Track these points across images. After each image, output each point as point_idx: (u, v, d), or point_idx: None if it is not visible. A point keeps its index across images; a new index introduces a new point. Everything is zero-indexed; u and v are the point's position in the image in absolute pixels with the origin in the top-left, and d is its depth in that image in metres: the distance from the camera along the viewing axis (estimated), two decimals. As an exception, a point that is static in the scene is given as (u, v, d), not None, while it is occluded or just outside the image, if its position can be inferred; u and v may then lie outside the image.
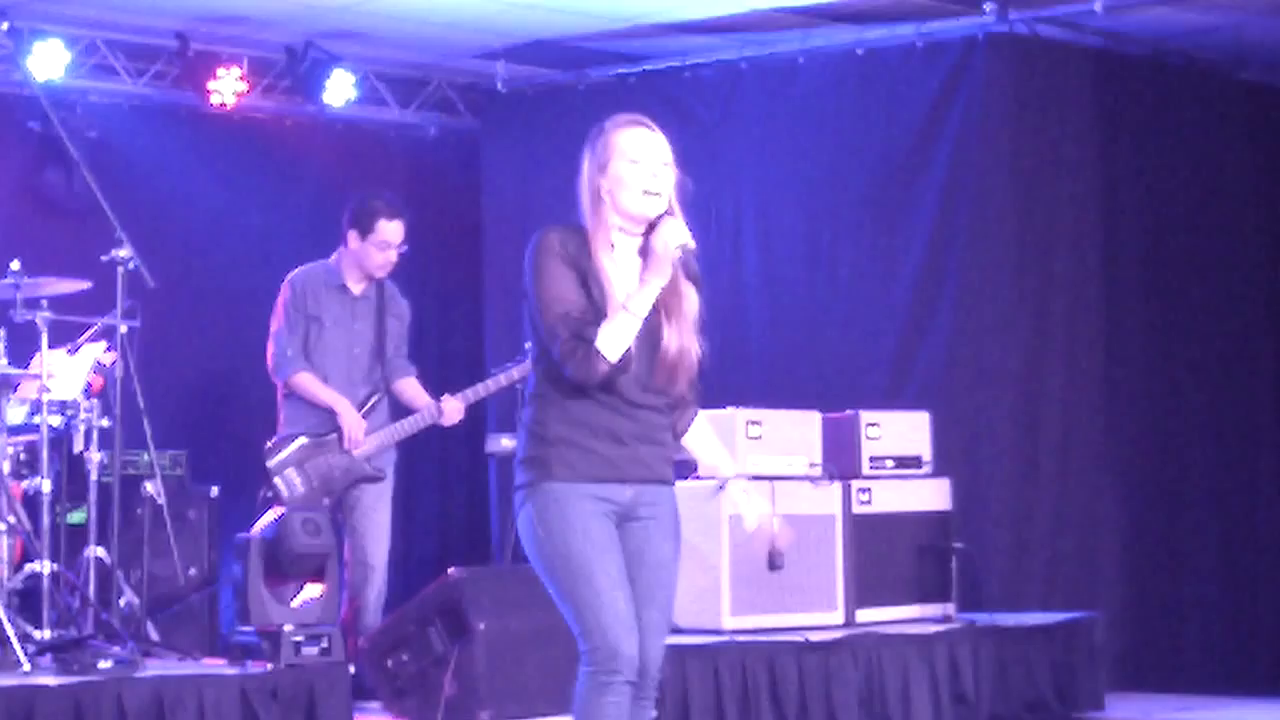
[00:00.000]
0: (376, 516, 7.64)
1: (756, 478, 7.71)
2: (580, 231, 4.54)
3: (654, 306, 4.48)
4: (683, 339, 4.53)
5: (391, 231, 7.63)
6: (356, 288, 7.71)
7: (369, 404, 7.62)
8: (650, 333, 4.49)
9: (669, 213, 4.52)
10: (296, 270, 7.74)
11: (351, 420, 7.51)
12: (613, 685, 4.41)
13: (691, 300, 4.56)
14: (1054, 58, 9.39)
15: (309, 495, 7.44)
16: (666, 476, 4.63)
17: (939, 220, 9.27)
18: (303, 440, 7.54)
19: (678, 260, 4.45)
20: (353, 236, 7.64)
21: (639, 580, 4.53)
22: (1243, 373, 10.09)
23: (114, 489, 7.13)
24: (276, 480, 7.48)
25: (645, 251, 4.54)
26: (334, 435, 7.54)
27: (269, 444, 7.56)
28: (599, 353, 4.41)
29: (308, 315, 7.61)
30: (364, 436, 7.53)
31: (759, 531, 4.78)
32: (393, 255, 7.66)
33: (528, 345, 7.84)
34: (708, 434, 4.78)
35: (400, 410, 7.74)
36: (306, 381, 7.56)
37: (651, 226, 4.53)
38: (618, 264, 4.53)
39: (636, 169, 4.52)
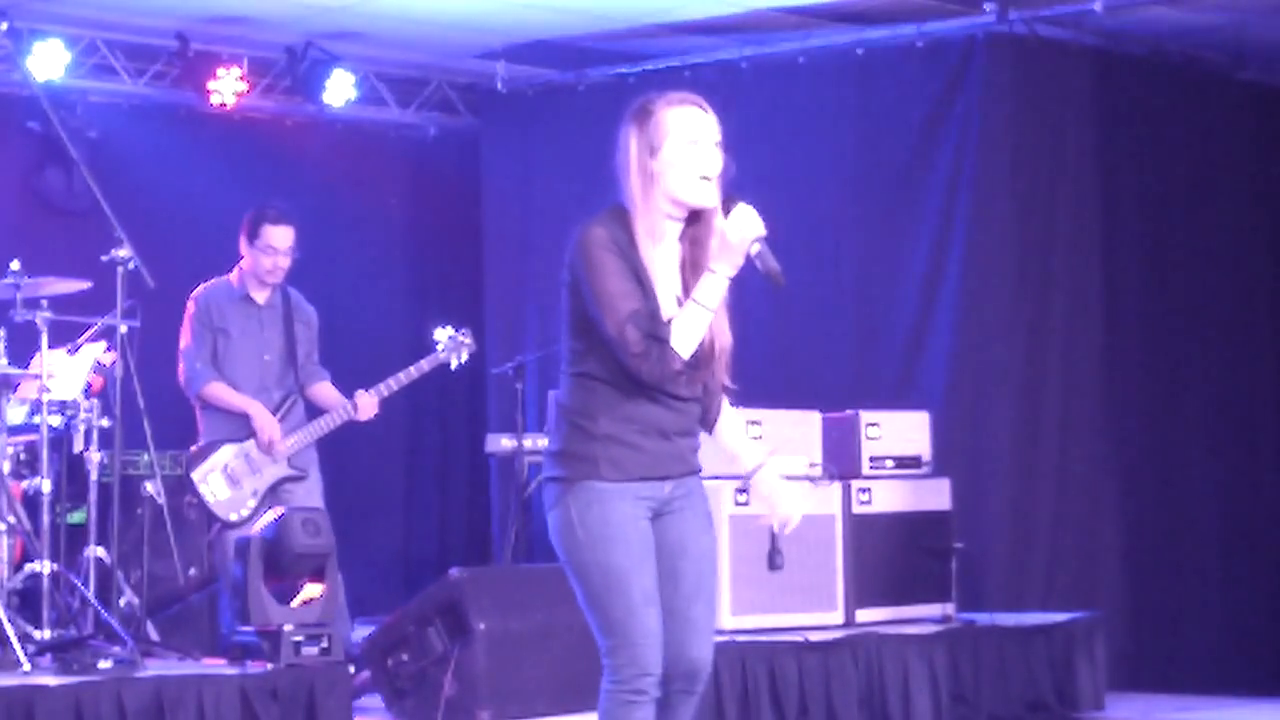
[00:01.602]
0: None
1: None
2: (623, 220, 4.31)
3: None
4: (723, 331, 4.36)
5: (278, 237, 7.67)
6: (260, 296, 7.76)
7: (284, 407, 7.68)
8: None
9: (737, 198, 4.28)
10: (200, 287, 7.79)
11: (266, 422, 7.57)
12: (639, 703, 4.28)
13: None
14: (1054, 58, 9.39)
15: (234, 499, 7.50)
16: (698, 466, 4.46)
17: (939, 220, 9.28)
18: (222, 447, 7.58)
19: (755, 255, 4.23)
20: (243, 244, 7.71)
21: (685, 574, 4.37)
22: (1243, 372, 10.09)
23: (114, 489, 7.12)
24: (201, 488, 7.54)
25: (686, 236, 4.35)
26: (252, 440, 7.59)
27: (191, 451, 7.61)
28: (673, 352, 4.23)
29: (214, 328, 7.68)
30: (278, 434, 7.59)
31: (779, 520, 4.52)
32: (282, 261, 7.71)
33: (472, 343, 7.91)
34: (736, 424, 4.57)
35: (318, 416, 7.77)
36: (219, 390, 7.63)
37: (693, 212, 4.32)
38: (662, 253, 4.32)
39: (693, 151, 4.30)
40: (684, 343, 4.25)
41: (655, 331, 4.23)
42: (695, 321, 4.26)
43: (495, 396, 10.32)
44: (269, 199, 7.97)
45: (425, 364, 7.87)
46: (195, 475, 7.57)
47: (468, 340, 7.98)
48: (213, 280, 7.83)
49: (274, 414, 7.64)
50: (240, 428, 7.62)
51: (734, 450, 4.55)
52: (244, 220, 7.74)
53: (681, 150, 4.31)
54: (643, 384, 4.27)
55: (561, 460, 4.38)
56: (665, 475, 4.37)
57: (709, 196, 4.31)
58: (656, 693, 4.31)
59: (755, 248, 4.23)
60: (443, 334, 7.97)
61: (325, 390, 7.85)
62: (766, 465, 4.49)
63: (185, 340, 7.73)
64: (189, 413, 8.36)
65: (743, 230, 4.23)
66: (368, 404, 7.70)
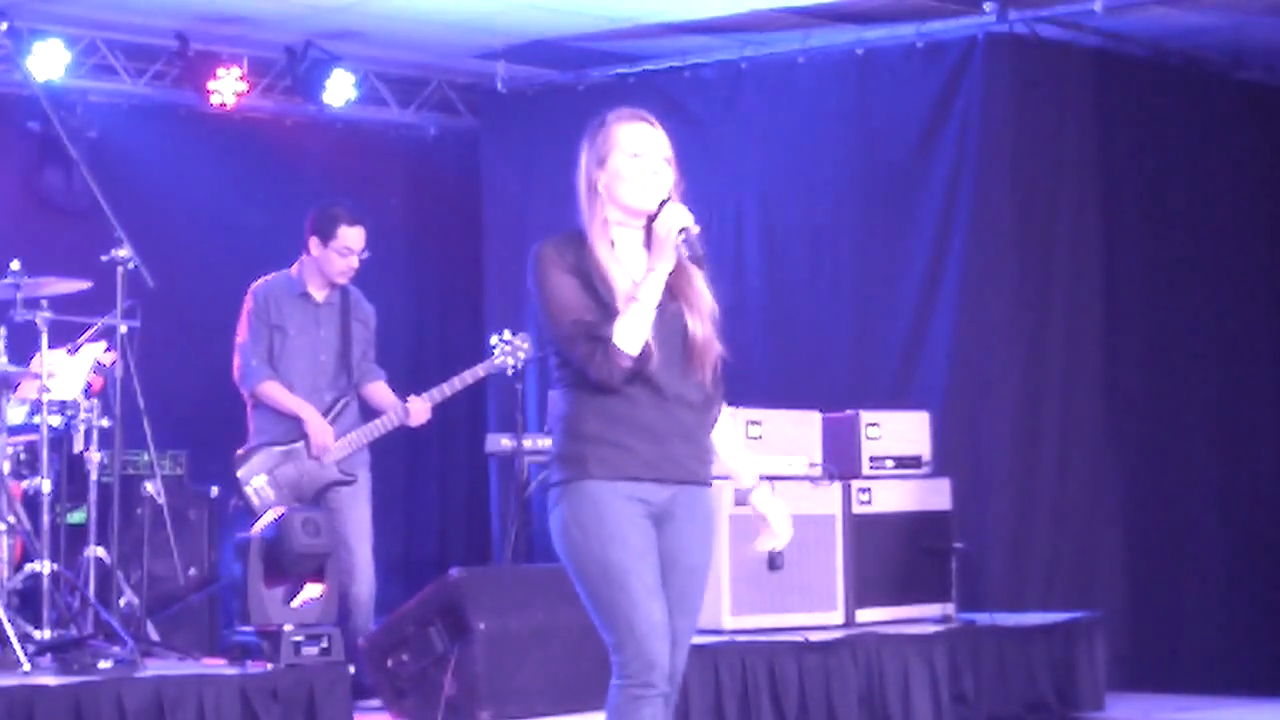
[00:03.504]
0: (355, 515, 7.65)
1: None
2: (576, 236, 4.46)
3: (673, 296, 4.41)
4: (704, 325, 4.45)
5: (352, 238, 7.65)
6: (319, 295, 7.73)
7: (336, 409, 7.65)
8: (675, 322, 4.41)
9: (669, 199, 4.42)
10: (259, 281, 7.77)
11: (317, 426, 7.54)
12: (647, 698, 4.30)
13: (704, 290, 4.47)
14: (1054, 58, 9.39)
15: (279, 502, 7.44)
16: (704, 477, 4.50)
17: (939, 220, 9.28)
18: (271, 448, 7.56)
19: (680, 243, 4.36)
20: (314, 243, 7.68)
21: (672, 586, 4.41)
22: (1243, 372, 10.09)
23: (114, 489, 7.12)
24: (246, 489, 7.51)
25: (649, 245, 4.45)
26: (302, 442, 7.56)
27: (239, 453, 7.58)
28: (618, 349, 4.32)
29: (271, 325, 7.64)
30: (331, 442, 7.56)
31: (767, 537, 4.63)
32: (354, 261, 7.69)
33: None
34: (732, 435, 4.67)
35: (371, 414, 7.76)
36: (272, 390, 7.59)
37: (653, 219, 4.43)
38: (622, 260, 4.44)
39: (637, 164, 4.44)
40: (626, 339, 4.34)
41: (599, 333, 4.34)
42: (636, 319, 4.35)
43: (495, 396, 10.32)
44: (334, 198, 7.93)
45: (480, 369, 7.79)
46: (241, 474, 7.52)
47: (525, 345, 7.88)
48: (272, 274, 7.80)
49: (325, 416, 7.59)
50: (291, 429, 7.57)
51: (730, 465, 4.66)
52: (311, 218, 7.68)
53: (625, 162, 4.45)
54: (603, 387, 4.36)
55: (557, 464, 4.45)
56: (659, 478, 4.41)
57: (654, 204, 4.44)
58: (665, 687, 4.33)
59: (680, 237, 4.38)
60: (497, 338, 7.93)
61: (380, 390, 7.81)
62: (763, 487, 4.61)
63: (242, 335, 7.69)
64: (189, 412, 8.37)
65: (670, 222, 4.38)
66: (420, 409, 7.66)
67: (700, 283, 4.48)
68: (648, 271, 4.38)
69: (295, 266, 7.76)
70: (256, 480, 7.52)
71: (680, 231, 4.37)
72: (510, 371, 7.95)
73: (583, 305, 4.38)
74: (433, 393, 7.67)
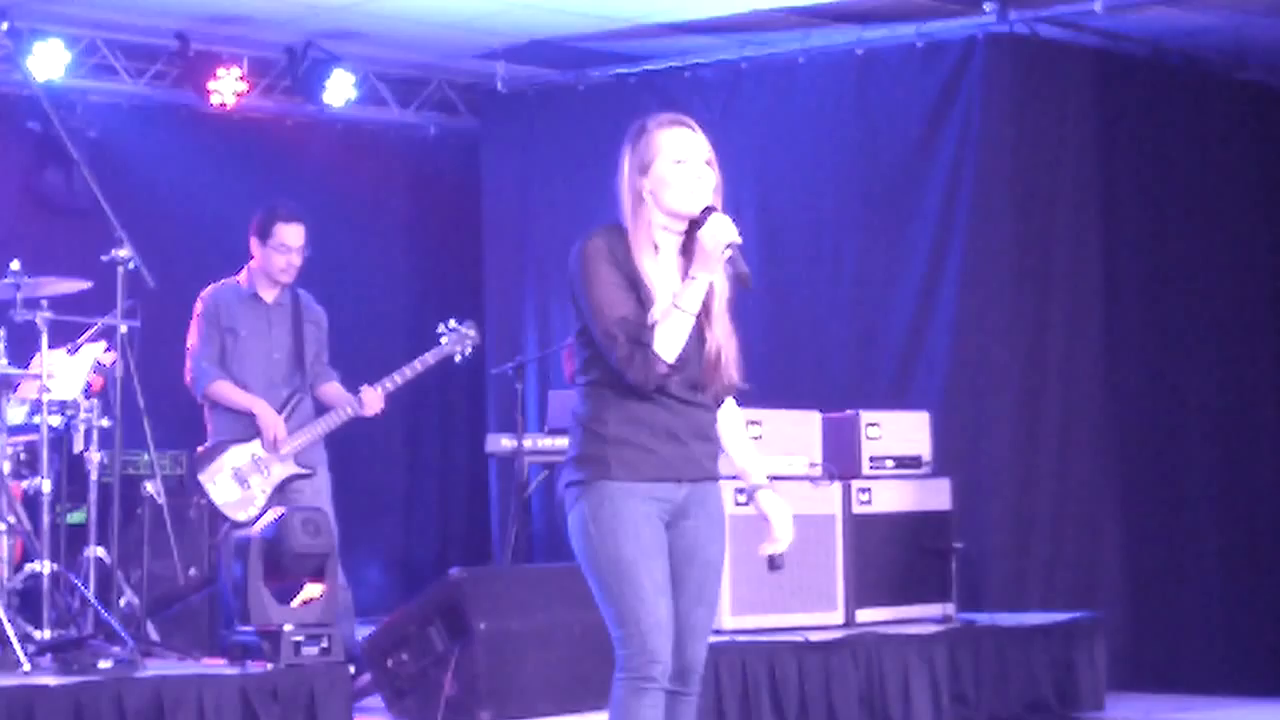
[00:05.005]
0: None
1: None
2: (622, 232, 4.50)
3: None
4: (722, 336, 4.51)
5: (290, 235, 7.67)
6: (269, 295, 7.76)
7: (290, 404, 7.67)
8: (695, 332, 4.46)
9: (714, 208, 4.46)
10: (208, 287, 7.80)
11: (270, 420, 7.57)
12: (650, 690, 4.41)
13: (723, 292, 4.53)
14: (1054, 58, 9.39)
15: (242, 500, 7.49)
16: (715, 473, 4.60)
17: (939, 220, 9.28)
18: (230, 446, 7.58)
19: (726, 258, 4.40)
20: (254, 244, 7.71)
21: (689, 580, 4.52)
22: (1243, 372, 10.09)
23: (114, 489, 7.12)
24: (208, 488, 7.54)
25: (687, 250, 4.51)
26: (259, 439, 7.58)
27: (198, 453, 7.62)
28: (657, 355, 4.38)
29: (222, 328, 7.68)
30: (284, 433, 7.59)
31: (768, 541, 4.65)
32: (295, 259, 7.71)
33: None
34: (743, 434, 4.71)
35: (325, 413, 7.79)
36: (224, 389, 7.63)
37: (694, 224, 4.48)
38: (661, 265, 4.50)
39: (681, 169, 4.49)
40: (666, 346, 4.40)
41: (641, 337, 4.39)
42: (676, 325, 4.41)
43: (495, 396, 10.33)
44: (276, 198, 7.97)
45: (430, 357, 7.85)
46: (202, 476, 7.56)
47: (471, 332, 7.96)
48: (221, 281, 7.84)
49: (280, 411, 7.63)
50: (248, 427, 7.61)
51: (740, 463, 4.68)
52: (253, 220, 7.73)
53: (668, 168, 4.50)
54: (633, 387, 4.42)
55: (577, 464, 4.52)
56: (677, 478, 4.51)
57: (698, 208, 4.49)
58: (666, 683, 4.43)
59: (728, 252, 4.41)
60: (444, 326, 7.97)
61: (334, 390, 7.85)
62: (770, 488, 4.64)
63: (192, 340, 7.73)
64: (189, 412, 8.36)
65: (717, 236, 4.42)
66: (373, 399, 7.70)
67: (719, 285, 4.50)
68: (688, 279, 4.43)
69: (244, 273, 7.79)
70: (219, 478, 7.55)
71: (727, 247, 4.40)
72: (458, 359, 8.00)
73: (627, 303, 4.43)
74: (384, 382, 7.73)
